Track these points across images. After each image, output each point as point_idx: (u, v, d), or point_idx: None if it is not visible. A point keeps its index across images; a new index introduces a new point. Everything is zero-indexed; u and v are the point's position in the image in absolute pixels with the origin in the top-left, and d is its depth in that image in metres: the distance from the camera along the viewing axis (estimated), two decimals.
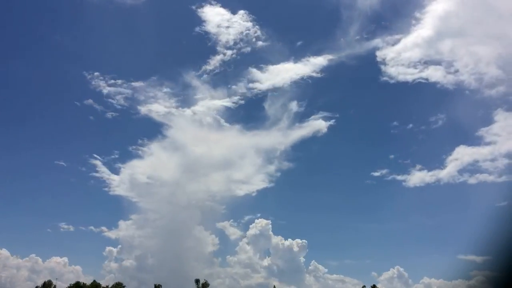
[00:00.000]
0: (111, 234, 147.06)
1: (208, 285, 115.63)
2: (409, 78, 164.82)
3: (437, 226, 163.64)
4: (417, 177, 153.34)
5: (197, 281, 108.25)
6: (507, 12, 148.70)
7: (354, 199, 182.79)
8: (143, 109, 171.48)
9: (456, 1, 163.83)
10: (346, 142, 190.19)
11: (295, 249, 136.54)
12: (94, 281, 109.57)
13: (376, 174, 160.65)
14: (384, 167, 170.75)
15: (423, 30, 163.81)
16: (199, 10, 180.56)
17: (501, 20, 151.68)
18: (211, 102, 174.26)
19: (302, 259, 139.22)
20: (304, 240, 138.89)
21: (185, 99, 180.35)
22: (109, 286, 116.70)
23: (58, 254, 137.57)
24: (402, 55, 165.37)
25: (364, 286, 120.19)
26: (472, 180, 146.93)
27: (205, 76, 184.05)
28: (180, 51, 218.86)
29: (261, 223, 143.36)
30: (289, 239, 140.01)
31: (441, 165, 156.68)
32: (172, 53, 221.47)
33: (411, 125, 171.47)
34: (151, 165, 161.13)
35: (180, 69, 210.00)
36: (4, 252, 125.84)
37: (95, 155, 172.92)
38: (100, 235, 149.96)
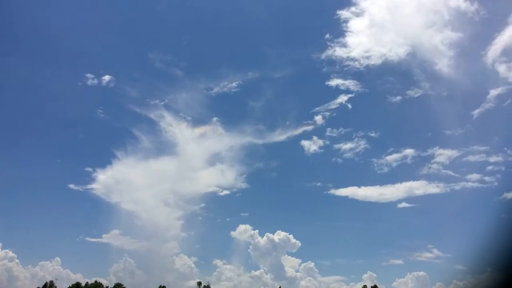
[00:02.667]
0: (95, 239, 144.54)
1: (209, 287, 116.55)
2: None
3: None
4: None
5: (199, 283, 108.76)
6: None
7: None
8: (118, 107, 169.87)
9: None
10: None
11: (279, 243, 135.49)
12: (96, 281, 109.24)
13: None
14: None
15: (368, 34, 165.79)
16: None
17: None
18: (189, 99, 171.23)
19: (288, 258, 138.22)
20: (295, 239, 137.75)
21: (162, 99, 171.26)
22: (110, 287, 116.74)
23: (46, 258, 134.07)
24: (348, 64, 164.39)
25: (365, 286, 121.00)
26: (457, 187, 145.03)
27: (180, 68, 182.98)
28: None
29: (245, 227, 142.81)
30: (270, 233, 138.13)
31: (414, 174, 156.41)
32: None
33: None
34: (130, 166, 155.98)
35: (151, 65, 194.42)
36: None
37: (73, 160, 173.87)
38: (84, 239, 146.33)
